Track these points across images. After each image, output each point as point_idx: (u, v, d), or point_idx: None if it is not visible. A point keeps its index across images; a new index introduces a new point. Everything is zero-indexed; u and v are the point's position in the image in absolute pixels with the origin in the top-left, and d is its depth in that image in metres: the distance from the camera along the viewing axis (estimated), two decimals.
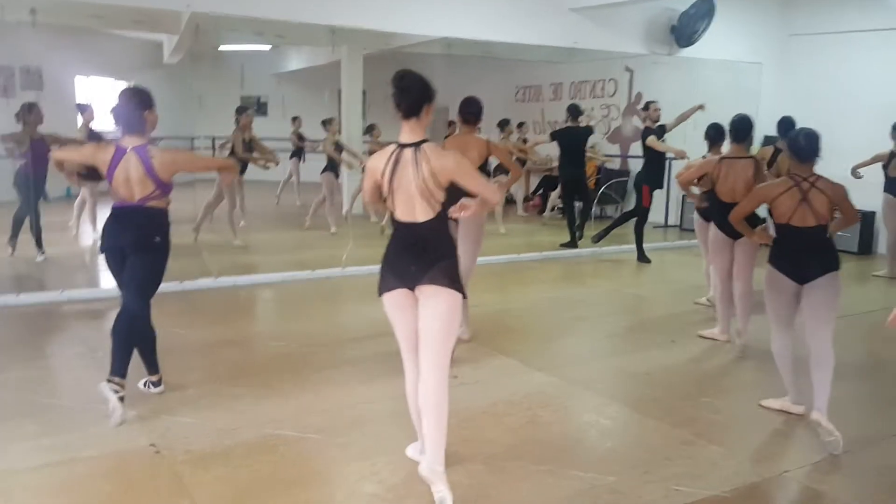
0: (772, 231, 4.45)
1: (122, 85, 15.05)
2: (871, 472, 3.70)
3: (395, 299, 3.26)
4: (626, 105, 13.09)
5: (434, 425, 3.17)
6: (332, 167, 10.37)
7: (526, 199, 13.58)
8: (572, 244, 9.65)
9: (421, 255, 3.17)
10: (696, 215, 6.60)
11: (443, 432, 3.18)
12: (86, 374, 4.72)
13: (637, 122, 12.90)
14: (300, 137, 13.02)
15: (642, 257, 8.98)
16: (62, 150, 4.70)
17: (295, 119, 13.20)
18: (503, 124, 11.39)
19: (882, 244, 9.27)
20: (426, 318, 3.20)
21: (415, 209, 3.15)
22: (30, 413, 4.10)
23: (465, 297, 3.29)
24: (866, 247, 9.72)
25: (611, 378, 4.92)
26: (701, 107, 8.64)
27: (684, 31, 9.32)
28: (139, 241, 4.06)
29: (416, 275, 3.16)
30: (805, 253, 4.06)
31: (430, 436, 3.18)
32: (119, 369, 3.97)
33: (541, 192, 13.99)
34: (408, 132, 3.16)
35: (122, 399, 3.90)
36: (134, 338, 4.11)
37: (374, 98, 13.88)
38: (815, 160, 4.12)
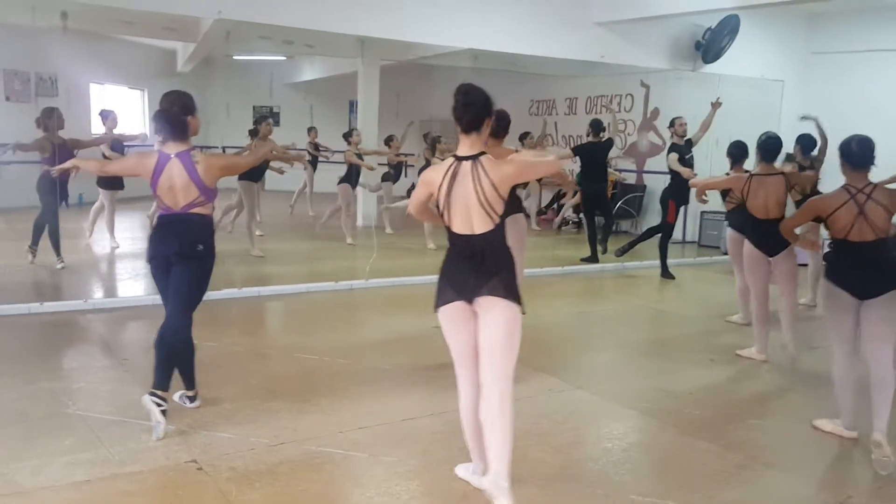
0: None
1: (136, 93, 15.11)
2: None
3: (452, 312, 3.19)
4: (641, 120, 13.02)
5: (498, 439, 3.07)
6: (349, 178, 10.28)
7: (539, 213, 13.51)
8: (593, 259, 9.56)
9: (479, 266, 3.12)
10: (729, 231, 6.53)
11: (508, 447, 3.08)
12: (118, 386, 4.63)
13: (653, 138, 12.86)
14: (316, 147, 12.97)
15: (666, 273, 8.88)
16: (108, 164, 4.68)
17: (311, 129, 13.15)
18: (523, 137, 11.37)
19: None
20: (486, 330, 3.13)
21: (472, 222, 3.13)
22: (65, 426, 4.00)
23: (523, 312, 3.20)
24: None
25: (653, 397, 4.80)
26: (717, 103, 8.51)
27: (711, 48, 9.28)
28: (182, 250, 3.96)
29: (475, 287, 3.11)
30: (864, 269, 3.95)
31: (494, 450, 3.07)
32: (161, 382, 3.87)
33: (554, 205, 13.93)
34: (467, 146, 3.16)
35: (164, 412, 3.81)
36: (177, 351, 4.01)
37: (389, 108, 13.86)
38: (869, 168, 4.03)
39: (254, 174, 8.77)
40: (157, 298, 6.40)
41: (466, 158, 3.14)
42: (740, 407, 4.70)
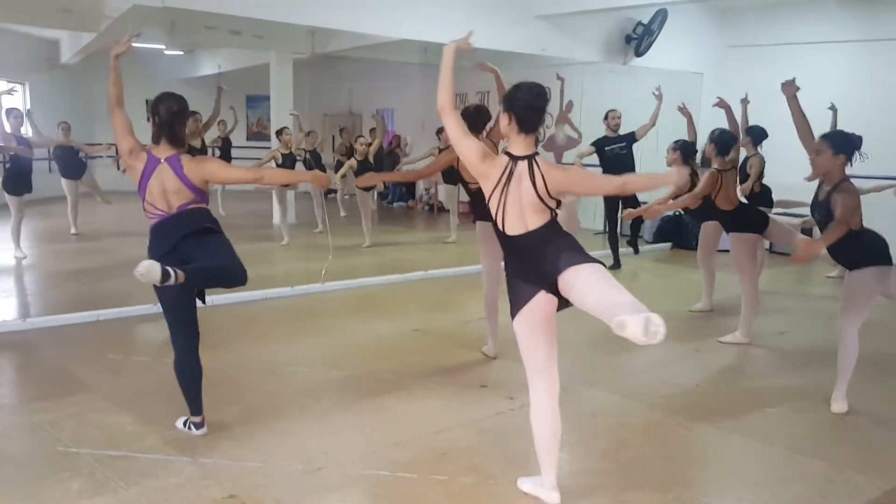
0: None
1: (15, 86, 13.78)
2: None
3: (538, 305, 3.08)
4: (557, 113, 13.14)
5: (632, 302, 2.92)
6: None
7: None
8: None
9: (545, 251, 3.04)
10: (704, 226, 6.66)
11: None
12: (100, 416, 4.11)
13: (568, 131, 13.02)
14: (227, 142, 12.31)
15: (616, 263, 8.93)
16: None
17: (220, 122, 12.42)
18: (440, 132, 11.22)
19: None
20: (584, 287, 2.93)
21: (525, 220, 3.09)
22: (63, 466, 3.51)
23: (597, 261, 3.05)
24: None
25: (665, 391, 4.74)
26: (660, 94, 8.51)
27: (642, 41, 9.44)
28: (193, 227, 3.65)
29: (553, 270, 3.00)
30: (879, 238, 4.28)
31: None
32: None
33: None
34: (524, 145, 3.13)
35: (166, 275, 3.22)
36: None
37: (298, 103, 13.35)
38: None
39: None
40: (92, 316, 5.85)
41: (522, 158, 3.10)
42: (749, 395, 4.73)
